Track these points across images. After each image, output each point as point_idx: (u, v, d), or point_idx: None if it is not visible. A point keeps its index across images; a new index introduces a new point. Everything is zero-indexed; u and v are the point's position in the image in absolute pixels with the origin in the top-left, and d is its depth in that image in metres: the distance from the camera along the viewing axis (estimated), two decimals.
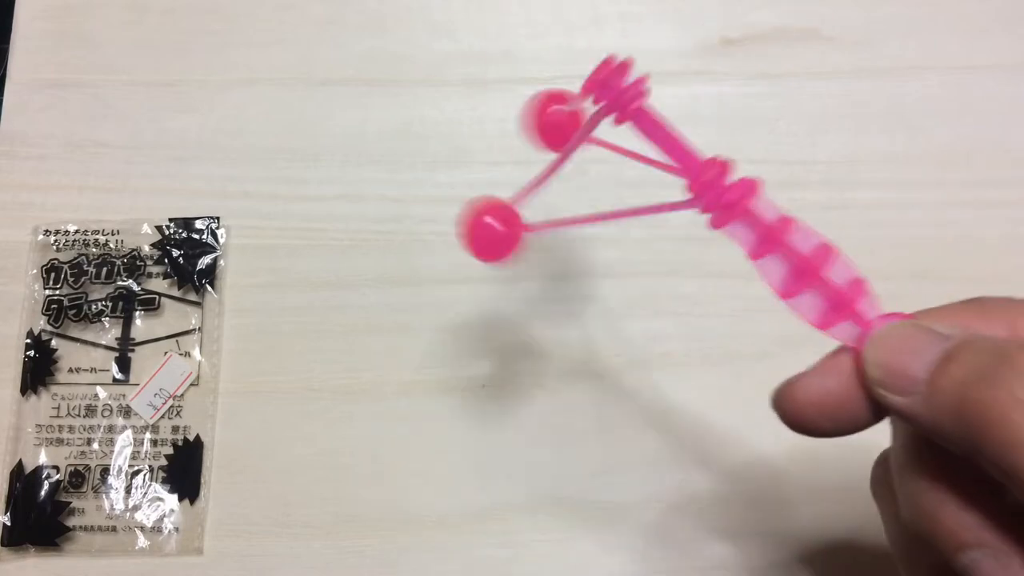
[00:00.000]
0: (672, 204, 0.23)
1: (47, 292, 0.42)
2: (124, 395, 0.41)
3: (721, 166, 0.22)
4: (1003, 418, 0.18)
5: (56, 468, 0.40)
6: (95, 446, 0.40)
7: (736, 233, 0.23)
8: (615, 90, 0.22)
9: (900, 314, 0.23)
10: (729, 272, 0.41)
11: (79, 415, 0.41)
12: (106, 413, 0.41)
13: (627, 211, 0.25)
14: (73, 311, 0.42)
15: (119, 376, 0.41)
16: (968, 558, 0.20)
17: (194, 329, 0.42)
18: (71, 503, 0.39)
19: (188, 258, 0.43)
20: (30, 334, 0.41)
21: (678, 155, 0.22)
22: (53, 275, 0.42)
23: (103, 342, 0.42)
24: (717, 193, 0.22)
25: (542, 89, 0.26)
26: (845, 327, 0.23)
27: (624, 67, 0.23)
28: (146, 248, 0.43)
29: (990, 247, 0.43)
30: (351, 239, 0.43)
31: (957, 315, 0.22)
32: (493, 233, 0.25)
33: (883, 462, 0.26)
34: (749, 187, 0.22)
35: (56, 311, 0.42)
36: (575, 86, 0.45)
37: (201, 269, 0.43)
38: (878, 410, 0.22)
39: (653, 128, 0.22)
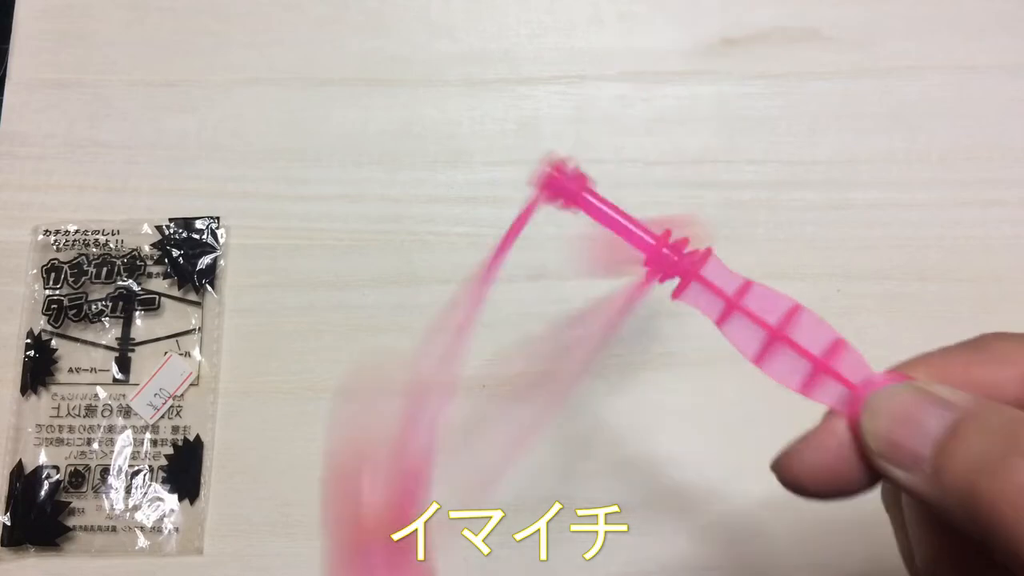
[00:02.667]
0: (635, 290, 0.24)
1: (47, 292, 0.42)
2: (124, 395, 0.41)
3: (676, 239, 0.23)
4: (1013, 513, 0.17)
5: (56, 468, 0.40)
6: (95, 446, 0.40)
7: (697, 301, 0.23)
8: (559, 182, 0.24)
9: (893, 373, 0.22)
10: None
11: (79, 415, 0.41)
12: (106, 413, 0.41)
13: (608, 325, 0.26)
14: (73, 311, 0.42)
15: (119, 376, 0.41)
16: None
17: (194, 329, 0.42)
18: (71, 503, 0.39)
19: (188, 258, 0.43)
20: (30, 334, 0.41)
21: (627, 235, 0.24)
22: (53, 275, 0.42)
23: (103, 342, 0.42)
24: (671, 263, 0.23)
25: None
26: (829, 389, 0.22)
27: (564, 162, 0.24)
28: (146, 248, 0.43)
29: (990, 247, 0.43)
30: (351, 239, 0.43)
31: (960, 364, 0.21)
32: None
33: None
34: (701, 255, 0.23)
35: (56, 311, 0.42)
36: (575, 85, 0.46)
37: (201, 269, 0.43)
38: (878, 474, 0.21)
39: (600, 214, 0.24)
